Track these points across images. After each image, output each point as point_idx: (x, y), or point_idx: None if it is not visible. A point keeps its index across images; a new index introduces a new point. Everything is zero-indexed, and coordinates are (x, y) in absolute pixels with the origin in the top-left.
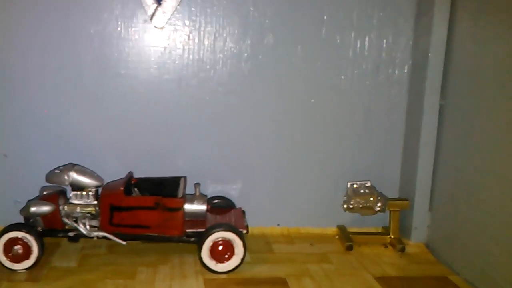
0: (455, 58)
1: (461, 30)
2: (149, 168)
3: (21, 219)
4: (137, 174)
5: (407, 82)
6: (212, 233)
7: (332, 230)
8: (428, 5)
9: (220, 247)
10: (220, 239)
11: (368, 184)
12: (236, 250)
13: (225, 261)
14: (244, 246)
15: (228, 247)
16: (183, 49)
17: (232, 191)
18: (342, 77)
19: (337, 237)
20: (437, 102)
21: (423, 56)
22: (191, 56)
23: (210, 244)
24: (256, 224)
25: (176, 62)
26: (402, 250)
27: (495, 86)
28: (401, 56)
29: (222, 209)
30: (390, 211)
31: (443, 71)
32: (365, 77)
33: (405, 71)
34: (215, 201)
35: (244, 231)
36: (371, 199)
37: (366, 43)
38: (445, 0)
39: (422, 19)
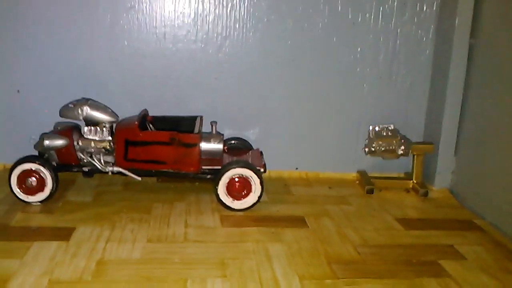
0: None
1: None
2: (165, 109)
3: None
4: (152, 114)
5: (436, 20)
6: (229, 170)
7: (352, 175)
8: None
9: (237, 184)
10: (237, 175)
11: (391, 127)
12: (253, 188)
13: (242, 198)
14: (262, 183)
15: (245, 184)
16: None
17: (250, 135)
18: (367, 14)
19: (357, 182)
20: (467, 41)
21: None
22: None
23: (227, 180)
24: (274, 167)
25: None
26: (425, 194)
27: None
28: None
29: (239, 150)
30: (414, 156)
31: (474, 8)
32: (390, 14)
33: (434, 8)
34: (232, 142)
35: (262, 170)
36: (394, 141)
37: None
38: None
39: None
